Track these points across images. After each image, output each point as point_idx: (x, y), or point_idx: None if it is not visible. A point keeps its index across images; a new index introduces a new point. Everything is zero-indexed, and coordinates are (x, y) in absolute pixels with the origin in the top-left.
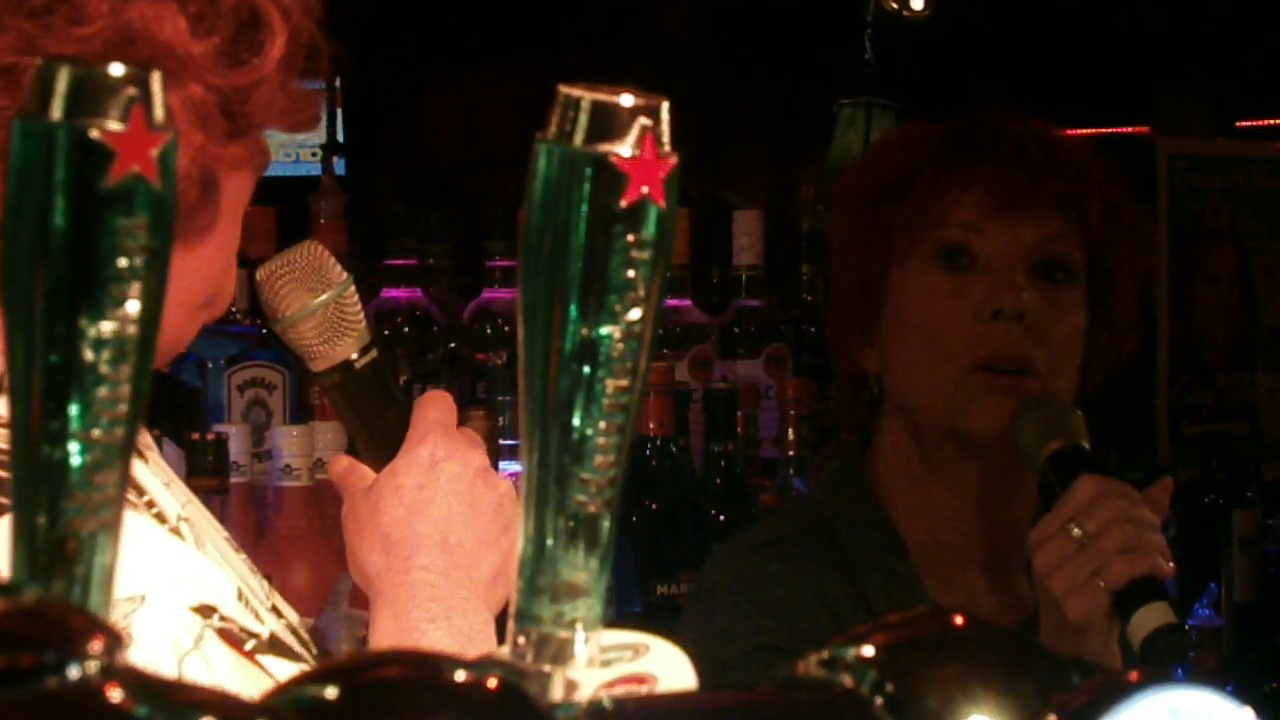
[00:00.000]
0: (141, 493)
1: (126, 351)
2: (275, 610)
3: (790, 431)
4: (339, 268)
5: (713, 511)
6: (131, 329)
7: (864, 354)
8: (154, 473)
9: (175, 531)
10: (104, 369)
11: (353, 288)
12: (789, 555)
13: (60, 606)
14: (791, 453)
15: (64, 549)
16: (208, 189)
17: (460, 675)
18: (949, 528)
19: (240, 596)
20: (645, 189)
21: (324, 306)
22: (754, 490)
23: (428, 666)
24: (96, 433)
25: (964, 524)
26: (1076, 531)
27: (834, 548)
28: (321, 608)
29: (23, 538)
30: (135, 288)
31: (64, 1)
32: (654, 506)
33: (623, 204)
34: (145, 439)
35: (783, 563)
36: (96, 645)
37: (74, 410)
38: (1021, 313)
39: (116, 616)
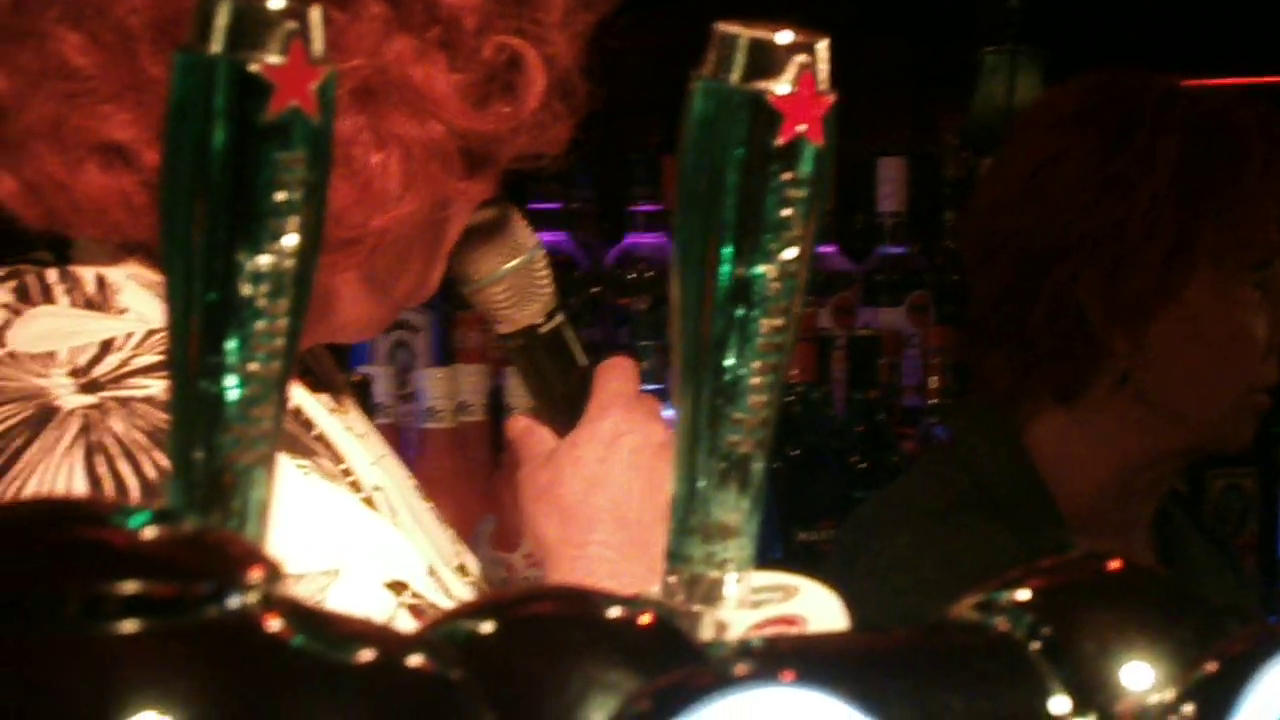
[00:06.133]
0: (339, 460)
1: (284, 285)
2: (462, 569)
3: (932, 379)
4: (531, 232)
5: (854, 459)
6: (289, 262)
7: (1111, 334)
8: (351, 426)
9: (369, 502)
10: (261, 303)
11: (543, 253)
12: (971, 527)
13: (219, 535)
14: (934, 401)
15: (221, 482)
16: (442, 217)
17: (615, 612)
18: (1115, 502)
19: (431, 571)
20: (802, 127)
21: (514, 271)
22: (896, 438)
23: (582, 602)
24: (254, 366)
25: (1131, 500)
26: None
27: (1000, 513)
28: None
29: (180, 472)
30: (293, 221)
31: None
32: (795, 453)
33: (779, 142)
34: (342, 392)
35: (969, 536)
36: (256, 574)
37: (231, 344)
38: None
39: (311, 589)
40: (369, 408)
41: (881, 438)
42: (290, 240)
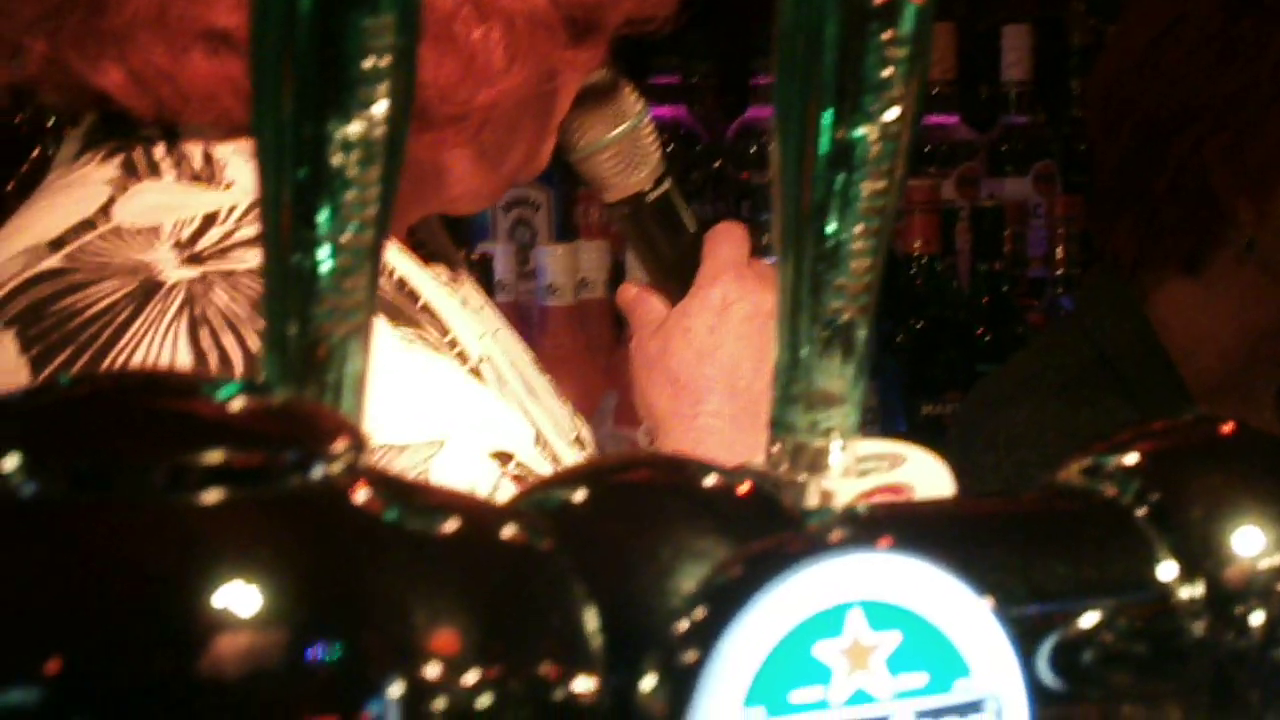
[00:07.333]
0: (445, 332)
1: (374, 154)
2: (579, 441)
3: (1059, 250)
4: (636, 99)
5: (979, 331)
6: (379, 130)
7: (1236, 202)
8: (466, 299)
9: (475, 373)
10: (352, 172)
11: (649, 119)
12: (1092, 400)
13: (307, 407)
14: (1060, 271)
15: (315, 354)
16: (551, 88)
17: (710, 480)
18: (1239, 372)
19: (539, 440)
20: None
21: (620, 138)
22: (1021, 309)
23: (678, 470)
24: (345, 237)
25: (1257, 370)
26: None
27: (1123, 387)
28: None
29: (274, 346)
30: (382, 88)
31: None
32: (919, 325)
33: (878, 0)
34: (457, 266)
35: (1091, 409)
36: (341, 444)
37: (323, 215)
38: None
39: (415, 460)
40: (490, 286)
41: (1006, 309)
42: (380, 108)
